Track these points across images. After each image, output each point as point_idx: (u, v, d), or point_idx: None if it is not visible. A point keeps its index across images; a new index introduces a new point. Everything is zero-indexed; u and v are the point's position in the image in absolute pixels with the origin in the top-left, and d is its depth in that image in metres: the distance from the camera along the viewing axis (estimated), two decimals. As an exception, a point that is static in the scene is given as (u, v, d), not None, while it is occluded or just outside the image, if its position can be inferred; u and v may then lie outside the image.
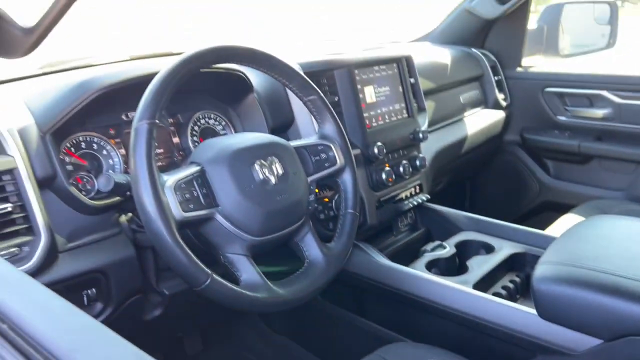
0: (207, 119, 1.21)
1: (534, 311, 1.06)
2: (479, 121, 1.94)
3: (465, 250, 1.39)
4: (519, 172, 2.19)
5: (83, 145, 1.02)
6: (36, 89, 1.05)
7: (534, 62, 2.17)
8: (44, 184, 0.91)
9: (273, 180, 0.90)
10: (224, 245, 0.87)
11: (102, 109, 1.02)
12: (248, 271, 0.86)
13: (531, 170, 2.17)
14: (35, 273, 0.85)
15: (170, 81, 0.83)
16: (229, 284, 0.82)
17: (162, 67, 0.85)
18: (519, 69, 2.12)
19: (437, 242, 1.39)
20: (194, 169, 0.86)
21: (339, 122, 1.05)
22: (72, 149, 1.01)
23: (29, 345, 0.39)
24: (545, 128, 2.09)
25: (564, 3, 2.12)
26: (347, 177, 1.05)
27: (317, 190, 1.26)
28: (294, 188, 0.94)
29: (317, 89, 1.03)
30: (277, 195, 0.90)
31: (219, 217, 0.85)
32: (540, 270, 1.06)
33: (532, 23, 2.14)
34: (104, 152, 1.05)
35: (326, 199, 1.28)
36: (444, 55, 1.88)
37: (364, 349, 1.10)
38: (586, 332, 0.98)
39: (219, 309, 1.30)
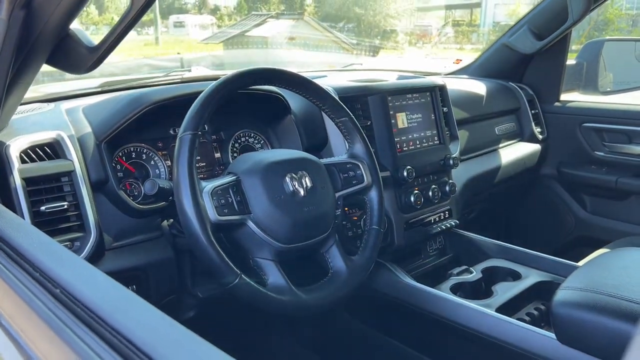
0: (247, 137, 1.30)
1: (553, 335, 1.07)
2: (514, 153, 1.96)
3: (492, 276, 1.41)
4: (555, 206, 2.18)
5: (133, 155, 1.13)
6: (94, 103, 1.16)
7: (573, 98, 2.18)
8: (97, 187, 1.01)
9: (302, 192, 0.97)
10: (253, 249, 0.94)
11: (152, 124, 1.12)
12: (275, 275, 0.93)
13: (567, 205, 2.15)
14: None
15: (212, 98, 0.92)
16: (256, 285, 0.88)
17: (207, 87, 0.94)
18: (556, 104, 2.14)
19: (464, 267, 1.42)
20: (230, 178, 0.94)
21: (368, 142, 1.12)
22: (124, 158, 1.11)
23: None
24: (583, 163, 2.09)
25: (605, 40, 2.13)
26: (373, 195, 1.11)
27: (346, 209, 1.32)
28: (322, 201, 1.00)
29: (348, 111, 1.10)
30: (305, 207, 0.97)
31: (250, 224, 0.93)
32: (561, 295, 1.08)
33: (572, 59, 2.16)
34: (152, 162, 1.15)
35: (355, 217, 1.33)
36: (479, 87, 1.93)
37: None
38: (604, 358, 0.99)
39: (249, 315, 1.36)
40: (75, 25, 0.91)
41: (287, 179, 0.97)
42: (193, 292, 1.14)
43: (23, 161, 0.94)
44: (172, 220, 1.11)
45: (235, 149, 1.28)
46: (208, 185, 0.90)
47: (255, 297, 0.88)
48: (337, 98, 1.10)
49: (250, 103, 1.26)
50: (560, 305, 1.06)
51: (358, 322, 1.44)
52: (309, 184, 0.99)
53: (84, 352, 0.43)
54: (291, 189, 0.96)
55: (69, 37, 0.90)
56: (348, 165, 1.10)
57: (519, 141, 2.06)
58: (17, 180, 0.91)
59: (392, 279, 1.35)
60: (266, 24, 10.24)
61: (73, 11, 0.84)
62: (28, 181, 0.92)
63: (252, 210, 0.93)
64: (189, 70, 1.72)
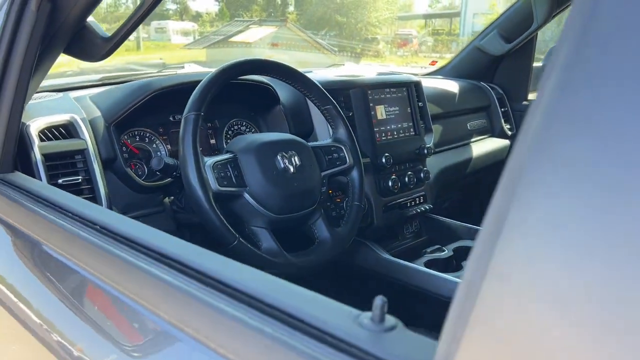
0: (239, 125, 1.42)
1: None
2: (485, 147, 2.11)
3: (462, 255, 1.54)
4: (524, 198, 2.33)
5: (137, 138, 1.24)
6: (100, 91, 1.28)
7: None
8: (107, 164, 1.12)
9: (292, 169, 1.10)
10: (249, 219, 1.06)
11: (154, 111, 1.24)
12: (268, 241, 1.05)
13: (535, 197, 2.31)
14: None
15: (213, 84, 1.04)
16: (252, 247, 1.00)
17: (207, 75, 1.06)
18: (525, 102, 2.30)
19: (437, 246, 1.56)
20: (228, 155, 1.07)
21: (350, 128, 1.25)
22: (129, 140, 1.22)
23: None
24: (549, 157, 2.24)
25: (568, 44, 2.30)
26: (355, 175, 1.24)
27: (330, 191, 1.45)
28: (309, 178, 1.13)
29: (333, 100, 1.23)
30: (295, 182, 1.10)
31: (246, 195, 1.05)
32: None
33: (539, 62, 2.33)
34: (154, 145, 1.26)
35: (338, 200, 1.46)
36: (453, 86, 2.08)
37: None
38: None
39: None
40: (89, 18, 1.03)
41: (279, 157, 1.09)
42: None
43: (41, 140, 1.05)
44: (172, 197, 1.22)
45: (228, 136, 1.40)
46: (209, 160, 1.02)
47: (251, 257, 1.00)
48: (322, 88, 1.23)
49: (242, 94, 1.39)
50: None
51: (342, 296, 1.56)
52: (297, 162, 1.11)
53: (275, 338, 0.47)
54: (282, 166, 1.09)
55: (85, 29, 1.02)
56: (332, 148, 1.23)
57: (490, 137, 2.21)
58: (37, 155, 1.02)
59: (372, 255, 1.48)
60: (249, 30, 10.39)
61: (91, 5, 0.96)
62: (46, 157, 1.03)
63: (248, 183, 1.05)
64: (182, 67, 1.83)
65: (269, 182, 1.06)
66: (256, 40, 9.68)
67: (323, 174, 1.19)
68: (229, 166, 1.05)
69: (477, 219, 1.75)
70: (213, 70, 1.08)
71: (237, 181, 1.05)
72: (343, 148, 1.24)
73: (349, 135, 1.25)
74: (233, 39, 10.07)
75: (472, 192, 2.19)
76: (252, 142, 1.10)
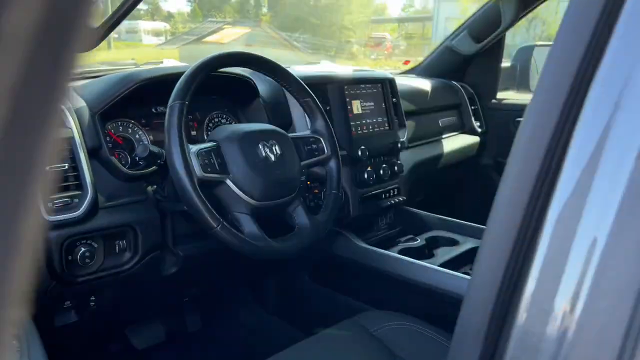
0: (220, 118, 1.47)
1: None
2: (455, 143, 2.19)
3: (434, 244, 1.61)
4: (493, 193, 2.42)
5: (121, 128, 1.27)
6: (83, 83, 1.30)
7: (508, 96, 2.44)
8: (92, 153, 1.15)
9: (273, 158, 1.15)
10: (232, 205, 1.10)
11: (137, 102, 1.27)
12: (250, 226, 1.10)
13: (503, 191, 2.40)
14: (81, 220, 1.08)
15: (197, 75, 1.08)
16: (235, 231, 1.05)
17: (190, 65, 1.10)
18: (494, 101, 2.39)
19: (410, 236, 1.63)
20: (211, 144, 1.11)
21: (328, 120, 1.31)
22: (112, 130, 1.25)
23: None
24: (516, 153, 2.34)
25: (535, 45, 2.41)
26: (332, 165, 1.30)
27: (309, 183, 1.50)
28: (289, 167, 1.18)
29: (311, 93, 1.29)
30: (276, 170, 1.15)
31: (229, 182, 1.09)
32: None
33: (507, 62, 2.43)
34: (137, 136, 1.30)
35: (316, 191, 1.51)
36: (425, 84, 2.16)
37: (341, 319, 1.31)
38: None
39: (225, 273, 1.51)
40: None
41: (260, 146, 1.14)
42: (174, 251, 1.28)
43: None
44: (155, 186, 1.25)
45: (209, 128, 1.44)
46: (194, 147, 1.06)
47: (234, 241, 1.04)
48: (301, 81, 1.28)
49: (223, 87, 1.43)
50: None
51: (317, 285, 1.61)
52: (278, 152, 1.16)
53: None
54: (264, 154, 1.14)
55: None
56: (311, 139, 1.28)
57: (460, 133, 2.29)
58: None
59: (349, 243, 1.54)
60: (223, 31, 10.37)
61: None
62: None
63: (231, 171, 1.10)
64: (162, 62, 1.86)
65: (251, 169, 1.11)
66: (230, 41, 9.68)
67: (302, 163, 1.25)
68: (212, 154, 1.09)
69: (449, 211, 1.82)
70: (195, 62, 1.12)
71: (221, 168, 1.09)
72: (321, 139, 1.29)
73: (326, 127, 1.30)
74: (206, 39, 10.04)
75: (443, 186, 2.28)
76: (234, 132, 1.14)
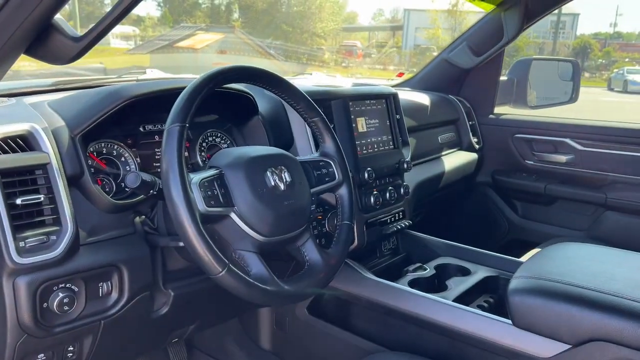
0: (214, 137, 1.32)
1: (508, 321, 1.17)
2: (455, 161, 2.09)
3: (444, 272, 1.50)
4: (490, 211, 2.34)
5: (104, 150, 1.11)
6: (61, 97, 1.14)
7: (505, 111, 2.36)
8: (72, 181, 0.99)
9: (282, 187, 1.01)
10: (236, 241, 0.96)
11: (122, 120, 1.11)
12: (257, 266, 0.95)
13: (500, 210, 2.32)
14: (59, 261, 0.92)
15: (198, 93, 0.94)
16: (243, 275, 0.90)
17: (190, 81, 0.96)
18: (491, 116, 2.31)
19: (418, 264, 1.50)
20: (214, 171, 0.96)
21: (338, 142, 1.17)
22: (95, 153, 1.09)
23: None
24: (514, 171, 2.26)
25: (532, 59, 2.34)
26: (344, 192, 1.16)
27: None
28: (300, 196, 1.04)
29: (320, 112, 1.15)
30: (285, 201, 1.01)
31: (234, 216, 0.95)
32: (514, 283, 1.18)
33: (503, 76, 2.35)
34: (122, 158, 1.14)
35: (319, 217, 1.38)
36: (423, 98, 2.05)
37: (344, 359, 1.18)
38: (556, 338, 1.10)
39: (220, 312, 1.36)
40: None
41: (268, 174, 1.00)
42: (165, 290, 1.13)
43: None
44: (144, 217, 1.10)
45: (202, 148, 1.29)
46: (196, 177, 0.91)
47: (241, 287, 0.90)
48: (310, 99, 1.14)
49: (219, 104, 1.28)
50: (514, 293, 1.16)
51: (317, 319, 1.47)
52: (288, 179, 1.02)
53: None
54: (272, 183, 0.99)
55: (51, 27, 0.89)
56: (321, 163, 1.15)
57: (459, 150, 2.20)
58: None
59: (353, 274, 1.40)
60: (196, 36, 10.13)
61: (60, 1, 0.84)
62: (2, 173, 0.89)
63: (236, 203, 0.95)
64: (144, 72, 1.70)
65: (258, 201, 0.97)
66: (203, 46, 9.44)
67: (312, 190, 1.11)
68: (215, 183, 0.94)
69: (446, 236, 1.70)
70: (197, 78, 0.97)
71: (224, 200, 0.94)
72: (332, 163, 1.16)
73: (337, 150, 1.17)
74: (179, 44, 9.78)
75: (441, 206, 2.17)
76: (239, 157, 1.00)
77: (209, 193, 0.92)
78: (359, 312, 1.43)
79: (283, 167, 1.03)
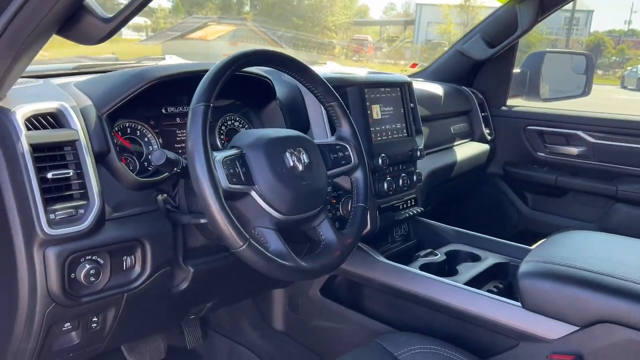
0: (233, 121, 1.35)
1: (518, 304, 1.20)
2: (467, 151, 2.11)
3: (454, 258, 1.53)
4: (500, 202, 2.36)
5: (129, 130, 1.15)
6: (87, 79, 1.18)
7: (518, 103, 2.37)
8: (98, 158, 1.02)
9: (300, 167, 1.04)
10: (256, 218, 0.99)
11: (145, 102, 1.15)
12: (276, 243, 0.98)
13: (511, 201, 2.34)
14: (87, 234, 0.96)
15: (222, 74, 0.97)
16: (263, 249, 0.93)
17: (212, 65, 0.99)
18: (503, 108, 2.32)
19: (429, 250, 1.53)
20: (235, 151, 0.99)
21: (355, 126, 1.20)
22: (120, 133, 1.13)
23: None
24: (526, 162, 2.28)
25: (546, 52, 2.35)
26: (359, 175, 1.19)
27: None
28: (317, 177, 1.07)
29: (338, 97, 1.18)
30: (303, 181, 1.04)
31: (254, 194, 0.98)
32: (524, 267, 1.21)
33: (516, 68, 2.36)
34: (145, 139, 1.17)
35: (334, 201, 1.41)
36: (437, 89, 2.07)
37: (357, 340, 1.21)
38: (563, 320, 1.12)
39: (236, 291, 1.40)
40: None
41: (287, 154, 1.03)
42: (184, 267, 1.17)
43: (27, 129, 0.95)
44: (166, 195, 1.14)
45: (222, 132, 1.32)
46: (219, 155, 0.95)
47: (261, 261, 0.93)
48: (328, 84, 1.17)
49: (238, 89, 1.31)
50: (524, 276, 1.19)
51: (329, 301, 1.51)
52: (306, 160, 1.06)
53: None
54: (291, 163, 1.03)
55: (83, 9, 0.92)
56: (337, 147, 1.18)
57: (471, 141, 2.22)
58: (24, 145, 0.91)
59: (365, 257, 1.44)
60: (207, 27, 10.14)
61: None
62: (34, 148, 0.93)
63: (256, 181, 0.99)
64: (163, 59, 1.73)
65: (277, 180, 1.00)
66: (215, 37, 9.45)
67: (328, 173, 1.14)
68: (236, 162, 0.98)
69: (458, 221, 1.73)
70: (220, 60, 1.00)
71: (245, 179, 0.98)
72: (348, 147, 1.19)
73: (353, 134, 1.20)
74: (191, 35, 9.81)
75: (453, 195, 2.19)
76: (260, 138, 1.03)
77: (231, 171, 0.95)
78: (371, 294, 1.47)
79: (301, 149, 1.06)
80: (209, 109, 0.93)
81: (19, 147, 0.91)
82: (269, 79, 1.31)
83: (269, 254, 0.95)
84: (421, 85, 1.99)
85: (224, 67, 0.98)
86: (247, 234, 0.94)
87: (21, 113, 0.94)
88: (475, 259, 1.52)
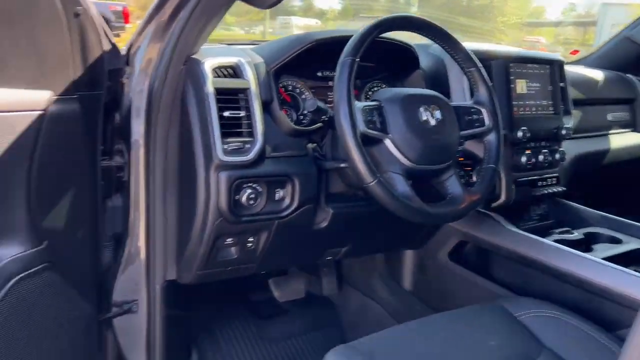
0: (378, 87, 1.49)
1: None
2: (625, 141, 2.00)
3: (593, 239, 1.48)
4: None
5: (290, 87, 1.35)
6: (259, 45, 1.41)
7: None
8: (264, 105, 1.24)
9: (432, 122, 1.14)
10: (387, 164, 1.12)
11: (304, 64, 1.34)
12: (404, 187, 1.10)
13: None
14: (250, 165, 1.17)
15: (370, 33, 1.12)
16: (391, 188, 1.06)
17: (363, 26, 1.14)
18: (675, 99, 2.14)
19: (566, 228, 1.52)
20: (374, 103, 1.14)
21: (493, 91, 1.26)
22: (283, 88, 1.34)
23: None
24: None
25: None
26: (492, 138, 1.25)
27: (461, 159, 1.46)
28: (447, 133, 1.17)
29: (478, 63, 1.26)
30: (434, 135, 1.14)
31: (387, 142, 1.11)
32: None
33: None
34: (303, 96, 1.37)
35: (468, 168, 1.47)
36: (595, 74, 2.00)
37: (480, 302, 1.27)
38: None
39: (369, 240, 1.54)
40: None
41: (422, 109, 1.14)
42: (325, 207, 1.34)
43: (213, 76, 1.19)
44: (315, 144, 1.31)
45: (368, 96, 1.47)
46: (359, 104, 1.09)
47: (387, 198, 1.06)
48: (469, 50, 1.25)
49: (384, 57, 1.45)
50: None
51: (457, 265, 1.57)
52: (439, 117, 1.16)
53: None
54: (424, 117, 1.14)
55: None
56: (472, 110, 1.26)
57: (632, 131, 2.09)
58: (210, 89, 1.15)
59: (497, 227, 1.48)
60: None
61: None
62: (217, 91, 1.17)
63: (390, 130, 1.11)
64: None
65: (410, 131, 1.11)
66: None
67: (461, 133, 1.22)
68: (374, 112, 1.11)
69: (613, 211, 1.63)
70: (370, 22, 1.14)
71: (381, 127, 1.11)
72: (483, 110, 1.26)
73: (490, 99, 1.26)
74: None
75: (608, 185, 2.09)
76: (397, 93, 1.16)
77: (369, 118, 1.09)
78: (499, 261, 1.50)
79: (435, 106, 1.16)
80: (355, 63, 1.08)
81: (206, 89, 1.15)
82: (413, 48, 1.43)
83: (396, 194, 1.07)
84: (576, 69, 1.94)
85: (371, 28, 1.12)
86: (378, 174, 1.07)
87: (209, 63, 1.19)
88: (616, 242, 1.47)
